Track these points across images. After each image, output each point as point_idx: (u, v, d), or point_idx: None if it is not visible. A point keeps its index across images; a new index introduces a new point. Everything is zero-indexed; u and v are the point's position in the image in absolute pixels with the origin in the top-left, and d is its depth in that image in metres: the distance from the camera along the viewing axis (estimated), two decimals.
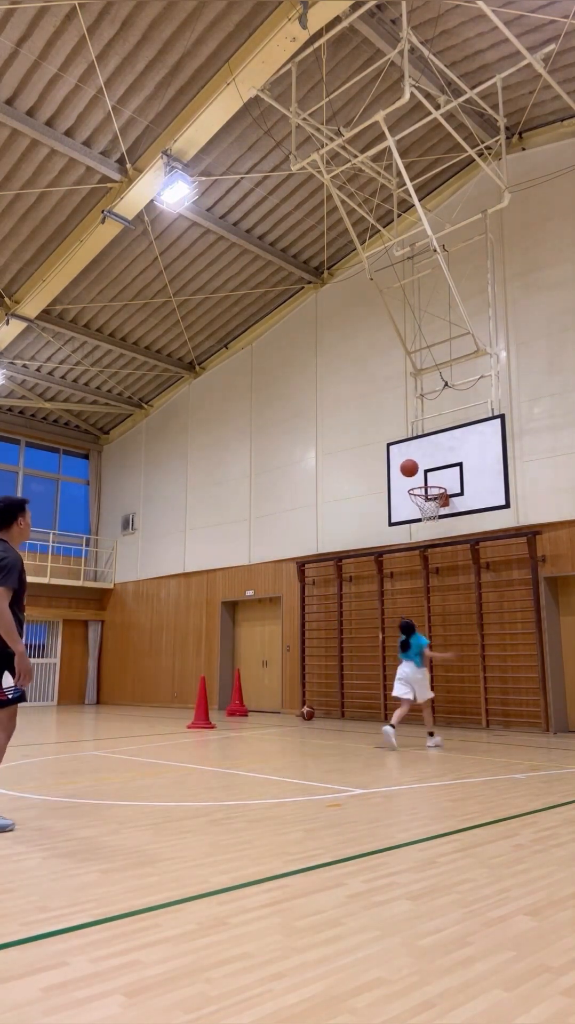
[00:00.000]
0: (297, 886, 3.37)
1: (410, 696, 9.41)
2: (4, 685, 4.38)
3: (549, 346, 12.34)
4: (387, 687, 13.56)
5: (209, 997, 2.26)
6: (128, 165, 12.27)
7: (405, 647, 9.58)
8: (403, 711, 9.34)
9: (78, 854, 3.93)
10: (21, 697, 4.50)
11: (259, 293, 16.49)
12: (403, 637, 9.65)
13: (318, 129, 11.23)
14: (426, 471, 11.43)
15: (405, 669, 9.53)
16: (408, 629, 9.63)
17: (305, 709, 13.90)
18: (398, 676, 9.59)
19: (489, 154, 12.48)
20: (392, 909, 3.06)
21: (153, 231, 14.09)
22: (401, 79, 10.79)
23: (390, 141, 10.38)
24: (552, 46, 10.25)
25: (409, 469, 10.91)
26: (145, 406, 20.61)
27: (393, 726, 9.12)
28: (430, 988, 2.32)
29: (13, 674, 4.37)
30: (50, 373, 18.59)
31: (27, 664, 4.34)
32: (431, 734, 9.53)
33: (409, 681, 9.44)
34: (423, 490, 11.28)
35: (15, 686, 4.38)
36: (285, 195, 13.85)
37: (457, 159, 13.14)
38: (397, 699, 9.75)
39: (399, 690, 9.52)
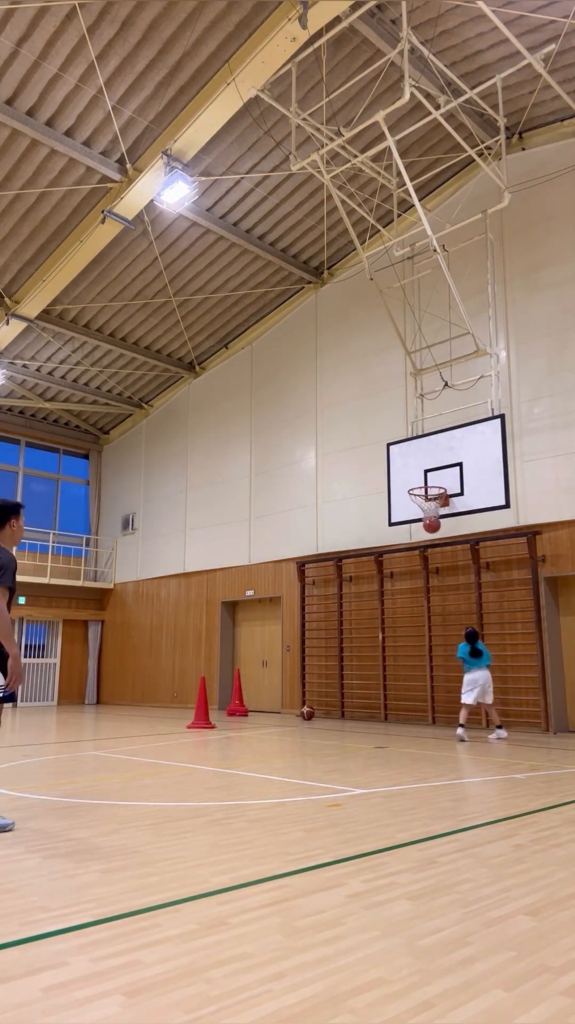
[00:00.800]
0: (297, 886, 3.37)
1: (472, 701, 10.21)
2: None
3: (549, 346, 12.33)
4: (387, 687, 13.57)
5: (209, 997, 2.26)
6: (128, 165, 12.27)
7: (476, 654, 10.27)
8: (493, 714, 10.35)
9: (78, 854, 3.93)
10: (9, 698, 4.51)
11: (259, 293, 16.49)
12: (469, 646, 10.33)
13: (318, 129, 11.23)
14: (426, 471, 11.44)
15: (477, 675, 10.23)
16: (474, 637, 10.37)
17: (305, 709, 13.89)
18: (468, 683, 10.27)
19: (489, 154, 12.47)
20: (392, 909, 3.06)
21: (153, 231, 14.09)
22: (401, 79, 10.79)
23: (390, 141, 10.38)
24: (552, 46, 10.25)
25: (431, 527, 11.29)
26: (145, 406, 20.61)
27: (500, 727, 10.30)
28: (430, 988, 2.32)
29: (5, 675, 4.38)
30: (50, 373, 18.59)
31: (20, 666, 4.36)
32: (500, 726, 10.32)
33: (479, 685, 10.16)
34: (423, 490, 11.29)
35: (4, 687, 4.39)
36: (285, 195, 13.84)
37: (457, 159, 13.14)
38: (469, 705, 10.33)
39: (470, 697, 10.21)
